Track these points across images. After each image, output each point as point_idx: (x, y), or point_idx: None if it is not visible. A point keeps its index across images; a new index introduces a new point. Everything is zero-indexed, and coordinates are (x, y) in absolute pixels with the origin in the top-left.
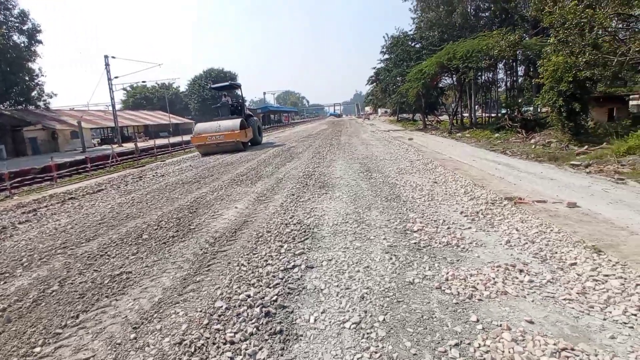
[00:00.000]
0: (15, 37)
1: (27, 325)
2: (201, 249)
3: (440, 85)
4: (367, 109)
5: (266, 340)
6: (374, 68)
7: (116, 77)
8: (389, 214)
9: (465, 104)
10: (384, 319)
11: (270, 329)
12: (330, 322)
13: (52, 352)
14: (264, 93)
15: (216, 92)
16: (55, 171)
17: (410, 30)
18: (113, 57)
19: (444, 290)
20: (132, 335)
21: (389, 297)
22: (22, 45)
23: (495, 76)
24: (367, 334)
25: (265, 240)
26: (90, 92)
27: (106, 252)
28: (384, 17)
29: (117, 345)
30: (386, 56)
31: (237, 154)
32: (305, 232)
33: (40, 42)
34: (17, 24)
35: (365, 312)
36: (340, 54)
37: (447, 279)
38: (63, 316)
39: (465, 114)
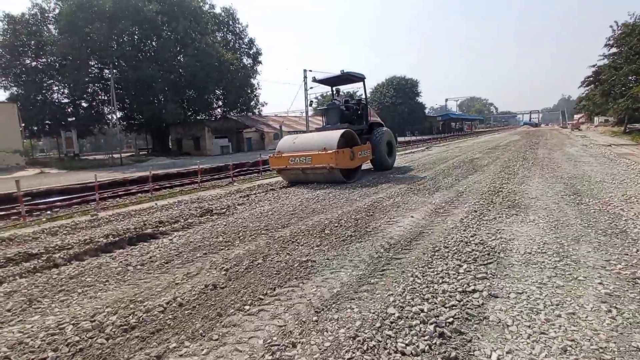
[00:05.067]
0: (244, 60)
1: (241, 285)
2: (376, 253)
3: None
4: (578, 116)
5: None
6: (593, 66)
7: (311, 88)
8: (607, 252)
9: None
10: None
11: (445, 352)
12: None
13: (256, 312)
14: (446, 100)
15: (335, 90)
16: (261, 166)
17: None
18: (310, 71)
19: None
20: (314, 318)
21: (604, 359)
22: (249, 65)
23: None
24: None
25: (442, 256)
26: (290, 101)
27: (296, 240)
28: (610, 2)
29: (303, 323)
30: (613, 50)
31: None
32: (489, 254)
33: (260, 62)
34: (246, 49)
35: None
36: (542, 53)
37: None
38: (265, 285)
39: None
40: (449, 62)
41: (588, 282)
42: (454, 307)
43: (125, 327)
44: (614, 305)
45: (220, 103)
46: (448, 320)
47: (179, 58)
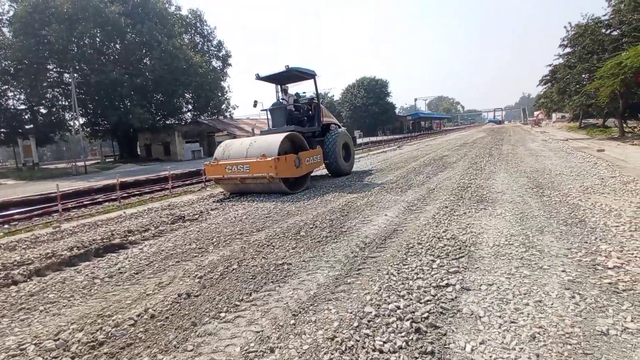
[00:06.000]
0: (213, 62)
1: (216, 293)
2: (352, 252)
3: None
4: (537, 113)
5: (416, 358)
6: (550, 65)
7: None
8: (569, 241)
9: None
10: None
11: (421, 347)
12: (491, 356)
13: (233, 319)
14: (415, 99)
15: (283, 88)
16: None
17: (604, 15)
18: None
19: None
20: (292, 321)
21: (571, 344)
22: (218, 68)
23: None
24: None
25: (416, 252)
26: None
27: (271, 243)
28: (565, 4)
29: (280, 327)
30: (567, 50)
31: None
32: (460, 249)
33: (230, 65)
34: (215, 52)
35: (538, 356)
36: (505, 52)
37: None
38: (240, 291)
39: None
40: (417, 63)
41: (552, 271)
42: (428, 302)
43: (92, 343)
44: (577, 291)
45: (190, 107)
46: (423, 316)
47: (145, 61)
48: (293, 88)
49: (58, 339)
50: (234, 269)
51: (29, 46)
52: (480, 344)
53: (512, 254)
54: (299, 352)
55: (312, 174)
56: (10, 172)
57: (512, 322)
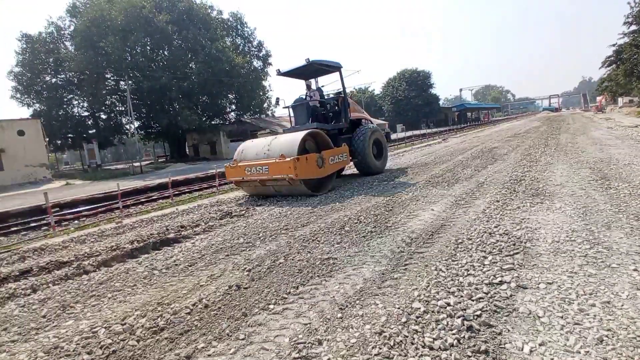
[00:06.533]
0: (254, 62)
1: (264, 285)
2: (398, 247)
3: None
4: (600, 98)
5: (469, 356)
6: (614, 45)
7: (323, 86)
8: None
9: None
10: None
11: (474, 345)
12: (552, 359)
13: (281, 311)
14: (460, 90)
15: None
16: None
17: None
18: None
19: None
20: (339, 315)
21: None
22: (259, 67)
23: None
24: None
25: (466, 248)
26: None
27: (316, 238)
28: None
29: (327, 320)
30: (632, 27)
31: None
32: (514, 245)
33: (270, 64)
34: (255, 52)
35: None
36: (560, 34)
37: None
38: (287, 284)
39: None
40: (462, 50)
41: (622, 269)
42: (481, 300)
43: (154, 329)
44: None
45: (233, 107)
46: (476, 313)
47: (190, 65)
48: (331, 85)
49: (125, 324)
50: (280, 263)
51: (89, 58)
52: (540, 345)
53: (574, 250)
54: (346, 345)
55: (350, 172)
56: (77, 173)
57: (576, 324)
